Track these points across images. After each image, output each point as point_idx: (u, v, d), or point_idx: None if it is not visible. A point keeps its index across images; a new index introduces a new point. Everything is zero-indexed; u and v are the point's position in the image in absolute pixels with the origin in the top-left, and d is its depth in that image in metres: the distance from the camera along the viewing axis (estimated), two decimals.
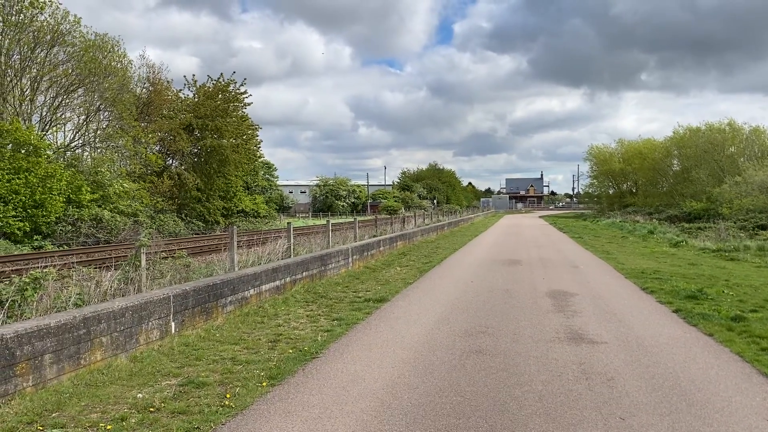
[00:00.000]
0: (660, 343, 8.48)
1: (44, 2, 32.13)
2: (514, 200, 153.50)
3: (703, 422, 5.47)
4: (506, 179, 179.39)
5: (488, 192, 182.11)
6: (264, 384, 6.52)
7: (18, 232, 25.75)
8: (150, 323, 7.88)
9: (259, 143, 50.22)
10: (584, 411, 5.75)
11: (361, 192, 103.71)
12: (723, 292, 12.78)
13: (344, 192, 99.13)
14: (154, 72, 44.42)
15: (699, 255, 22.93)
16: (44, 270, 7.90)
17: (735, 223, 36.78)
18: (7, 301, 7.07)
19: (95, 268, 10.08)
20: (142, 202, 35.90)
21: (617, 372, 7.03)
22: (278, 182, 73.37)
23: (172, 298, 8.40)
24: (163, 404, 5.83)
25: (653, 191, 68.30)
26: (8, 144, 27.79)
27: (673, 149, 64.52)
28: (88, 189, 30.97)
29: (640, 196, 70.92)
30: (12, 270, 14.10)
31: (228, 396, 6.11)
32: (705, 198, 49.19)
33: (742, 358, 7.60)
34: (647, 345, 8.34)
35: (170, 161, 45.21)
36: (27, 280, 7.39)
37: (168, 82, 44.98)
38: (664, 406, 5.89)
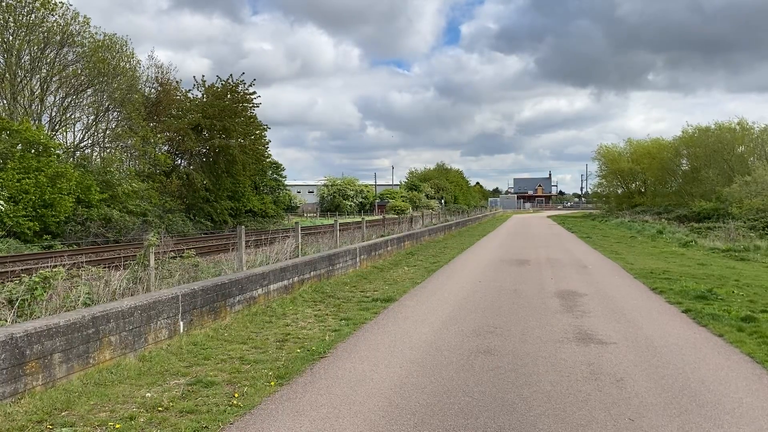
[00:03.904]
0: (669, 343, 8.43)
1: (55, 3, 32.36)
2: (522, 200, 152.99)
3: (713, 423, 5.43)
4: (514, 179, 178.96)
5: (496, 192, 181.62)
6: (272, 383, 6.53)
7: (28, 232, 25.91)
8: (159, 322, 7.91)
9: (267, 143, 50.33)
10: (593, 412, 5.72)
11: (368, 192, 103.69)
12: (733, 292, 12.69)
13: (352, 192, 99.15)
14: (162, 72, 44.68)
15: (708, 255, 22.78)
16: (54, 269, 7.93)
17: (745, 222, 36.48)
18: (17, 300, 7.11)
19: (104, 267, 10.11)
20: (151, 202, 36.05)
21: (626, 372, 6.99)
22: (286, 182, 73.40)
23: (180, 297, 8.43)
24: (171, 403, 5.85)
25: (662, 191, 67.89)
26: (18, 144, 27.97)
27: (682, 149, 64.08)
28: (98, 189, 31.14)
29: (649, 195, 70.54)
30: (22, 269, 14.18)
31: (236, 395, 6.12)
32: (714, 198, 48.82)
33: (753, 358, 7.54)
34: (657, 345, 8.29)
35: (179, 161, 45.39)
36: (37, 280, 7.43)
37: (177, 82, 45.22)
38: (673, 407, 5.85)
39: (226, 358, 7.53)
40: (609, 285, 14.39)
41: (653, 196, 68.92)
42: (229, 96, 45.58)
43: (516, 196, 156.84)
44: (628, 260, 20.16)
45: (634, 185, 77.78)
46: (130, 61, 38.33)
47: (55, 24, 32.86)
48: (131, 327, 7.34)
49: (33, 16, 31.95)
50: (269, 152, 52.64)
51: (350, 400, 6.07)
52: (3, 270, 15.44)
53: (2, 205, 23.90)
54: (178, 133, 42.34)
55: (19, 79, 31.97)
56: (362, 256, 17.76)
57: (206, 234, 38.18)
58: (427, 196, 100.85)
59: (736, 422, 5.46)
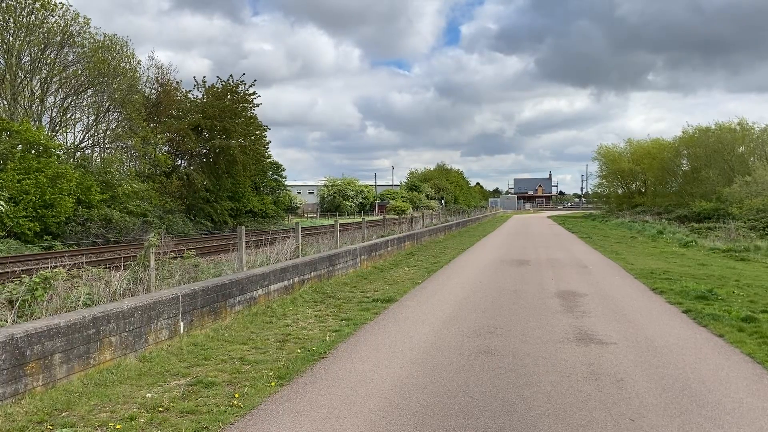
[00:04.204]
0: (670, 343, 8.43)
1: (54, 4, 32.36)
2: (522, 200, 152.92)
3: (714, 424, 5.43)
4: (514, 179, 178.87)
5: (496, 192, 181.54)
6: (272, 384, 6.53)
7: (28, 232, 25.92)
8: (159, 323, 7.91)
9: (268, 144, 50.37)
10: (593, 412, 5.72)
11: (369, 192, 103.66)
12: (733, 292, 12.68)
13: (352, 192, 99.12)
14: (162, 73, 44.70)
15: (709, 255, 22.78)
16: (54, 270, 7.94)
17: (745, 223, 36.48)
18: (17, 300, 7.12)
19: (105, 268, 10.12)
20: (151, 203, 36.06)
21: (627, 373, 6.99)
22: (286, 183, 73.43)
23: (180, 298, 8.43)
24: (172, 404, 5.85)
25: (662, 191, 67.86)
26: (18, 144, 27.98)
27: (683, 149, 64.05)
28: (98, 189, 31.14)
29: (650, 196, 70.49)
30: (22, 270, 14.19)
31: (237, 396, 6.12)
32: (715, 198, 48.80)
33: (753, 359, 7.54)
34: (657, 346, 8.29)
35: (179, 162, 45.40)
36: (37, 280, 7.43)
37: (177, 82, 45.24)
38: (674, 407, 5.85)
39: (226, 359, 7.53)
40: (609, 285, 14.39)
41: (653, 196, 68.87)
42: (229, 96, 45.61)
43: (516, 196, 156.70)
44: (629, 260, 20.16)
45: (634, 185, 77.76)
46: (130, 62, 38.36)
47: (55, 25, 32.86)
48: (132, 327, 7.34)
49: (33, 17, 31.95)
50: (269, 153, 52.75)
51: (350, 401, 6.07)
52: (3, 270, 15.45)
53: (2, 206, 23.92)
54: (178, 133, 42.36)
55: (19, 80, 31.97)
56: (363, 257, 17.76)
57: (206, 234, 38.19)
58: (427, 196, 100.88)
59: (736, 423, 5.46)
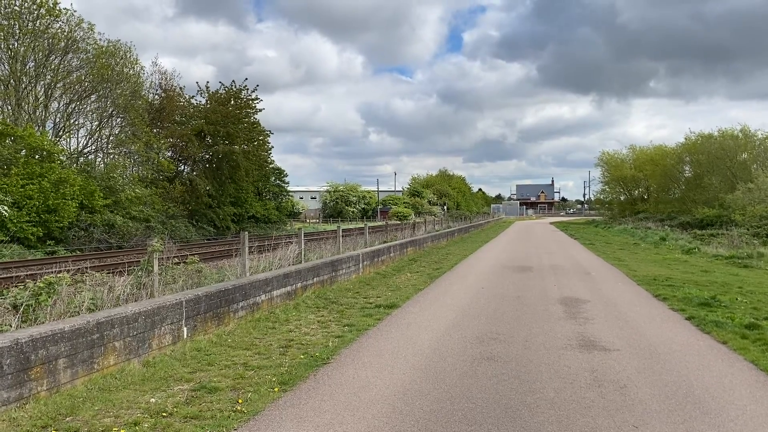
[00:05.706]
0: (673, 350, 8.42)
1: (59, 10, 32.53)
2: (524, 206, 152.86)
3: (718, 431, 5.42)
4: (517, 185, 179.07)
5: (499, 198, 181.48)
6: (276, 389, 6.54)
7: (31, 237, 25.97)
8: (162, 328, 7.92)
9: (270, 149, 50.48)
10: (597, 418, 5.72)
11: (371, 198, 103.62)
12: (736, 299, 12.67)
13: (354, 198, 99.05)
14: (166, 78, 44.82)
15: (712, 262, 22.75)
16: (58, 275, 7.97)
17: (748, 229, 36.42)
18: (22, 305, 7.15)
19: (108, 273, 10.15)
20: (154, 208, 36.08)
21: (630, 379, 6.98)
22: (289, 188, 73.50)
23: (184, 303, 8.44)
24: (175, 409, 5.86)
25: (665, 198, 67.84)
26: (22, 150, 28.08)
27: (685, 156, 64.02)
28: (101, 194, 31.19)
29: (652, 202, 70.46)
30: (26, 275, 14.23)
31: (240, 401, 6.13)
32: (717, 205, 48.76)
33: (757, 366, 7.53)
34: (660, 352, 8.29)
35: (182, 167, 45.45)
36: (41, 285, 7.47)
37: (180, 88, 45.36)
38: (677, 414, 5.85)
39: (229, 364, 7.54)
40: (612, 292, 14.37)
41: (656, 203, 68.84)
42: (232, 102, 45.73)
43: (519, 202, 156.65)
44: (632, 267, 20.14)
45: (636, 192, 77.79)
46: (133, 68, 38.47)
47: (59, 31, 32.99)
48: (135, 333, 7.36)
49: (38, 23, 32.11)
50: (272, 158, 52.82)
51: (353, 407, 6.08)
52: (7, 275, 15.49)
53: (6, 211, 23.98)
54: (181, 139, 42.45)
55: (23, 86, 32.10)
56: (365, 263, 17.76)
57: (209, 240, 38.23)
58: (429, 202, 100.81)
59: (740, 430, 5.45)
